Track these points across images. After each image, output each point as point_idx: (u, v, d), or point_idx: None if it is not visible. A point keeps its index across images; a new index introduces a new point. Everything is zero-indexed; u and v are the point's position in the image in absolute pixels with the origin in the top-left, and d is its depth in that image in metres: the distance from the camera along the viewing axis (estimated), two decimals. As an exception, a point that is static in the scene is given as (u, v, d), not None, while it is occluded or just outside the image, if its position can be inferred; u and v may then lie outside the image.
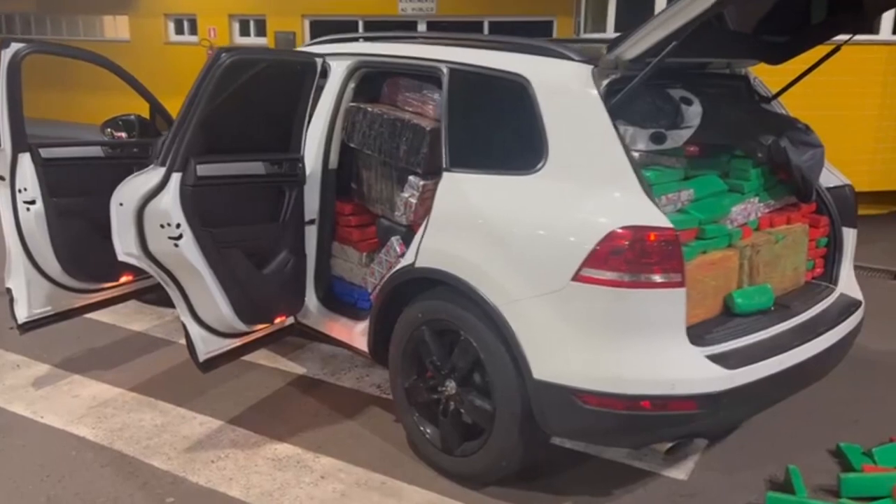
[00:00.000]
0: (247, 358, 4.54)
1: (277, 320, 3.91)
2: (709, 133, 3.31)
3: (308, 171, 3.94)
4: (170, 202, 3.18)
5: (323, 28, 13.09)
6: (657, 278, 2.78)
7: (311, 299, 4.12)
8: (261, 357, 4.64)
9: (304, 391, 4.28)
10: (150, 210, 3.19)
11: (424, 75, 3.68)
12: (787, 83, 4.00)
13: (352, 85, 4.01)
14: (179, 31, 15.29)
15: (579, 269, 2.82)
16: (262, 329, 3.89)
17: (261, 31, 14.18)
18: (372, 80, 4.08)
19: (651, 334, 2.84)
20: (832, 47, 3.88)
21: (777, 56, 3.78)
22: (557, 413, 2.97)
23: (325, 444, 3.70)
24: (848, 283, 3.77)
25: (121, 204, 3.17)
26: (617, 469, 3.54)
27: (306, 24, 13.56)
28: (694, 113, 3.23)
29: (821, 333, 3.27)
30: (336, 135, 4.03)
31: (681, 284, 2.81)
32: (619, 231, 2.78)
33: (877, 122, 8.50)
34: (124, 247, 3.24)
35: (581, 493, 3.33)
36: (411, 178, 3.69)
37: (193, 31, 14.99)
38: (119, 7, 15.85)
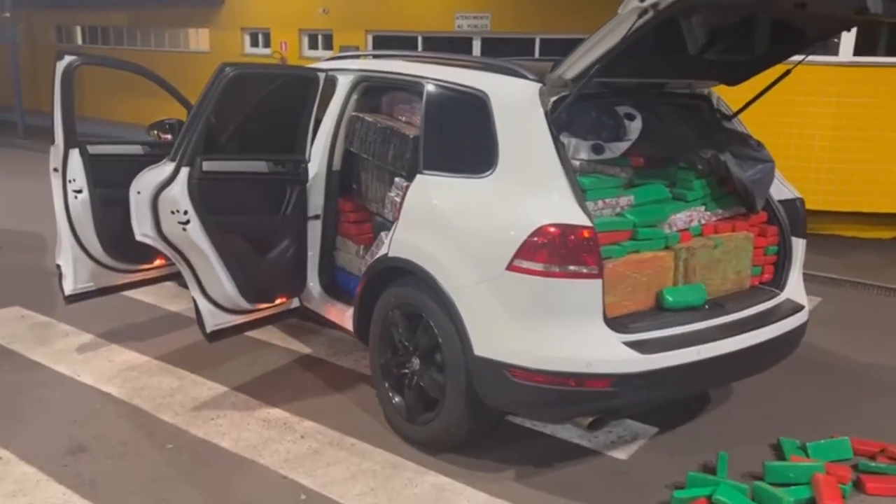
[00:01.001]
0: (261, 337, 5.14)
1: (278, 301, 4.43)
2: (651, 146, 3.69)
3: (314, 171, 4.48)
4: (178, 192, 3.76)
5: (384, 42, 13.79)
6: (576, 269, 3.18)
7: (315, 286, 4.64)
8: (274, 338, 5.20)
9: (305, 368, 4.80)
10: (162, 198, 3.77)
11: (412, 89, 4.16)
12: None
13: (354, 96, 4.53)
14: (254, 43, 16.25)
15: (512, 260, 3.25)
16: (266, 308, 4.43)
17: (328, 45, 14.95)
18: (375, 93, 4.59)
19: (570, 318, 3.24)
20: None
21: (733, 77, 4.10)
22: (492, 386, 3.40)
23: (311, 411, 4.20)
24: (795, 290, 4.04)
25: (138, 192, 3.77)
26: (564, 446, 3.91)
27: (369, 38, 14.25)
28: (634, 128, 3.61)
29: (748, 330, 3.58)
30: (340, 140, 4.54)
31: (597, 276, 3.20)
32: (544, 227, 3.19)
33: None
34: (141, 228, 3.84)
35: (524, 465, 3.72)
36: (397, 179, 4.16)
37: (267, 44, 15.90)
38: (201, 21, 16.98)
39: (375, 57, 4.70)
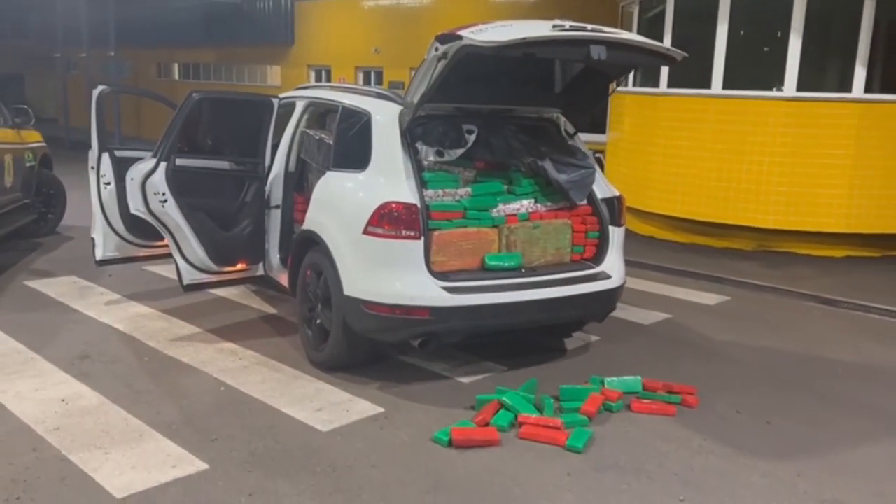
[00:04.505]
0: (242, 301, 6.73)
1: (240, 266, 5.97)
2: (485, 153, 5.07)
3: (276, 172, 6.03)
4: (158, 179, 5.36)
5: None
6: (405, 233, 4.59)
7: (275, 259, 6.16)
8: (253, 302, 6.78)
9: (266, 321, 6.33)
10: (148, 183, 5.37)
11: (334, 110, 5.66)
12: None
13: (305, 116, 6.07)
14: (318, 78, 18.27)
15: (366, 226, 4.69)
16: (231, 271, 5.97)
17: (379, 80, 16.77)
18: (318, 114, 6.13)
19: (401, 268, 4.64)
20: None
21: (569, 105, 5.42)
22: (355, 316, 4.81)
23: (255, 346, 5.69)
24: (611, 266, 5.27)
25: (132, 178, 5.39)
26: (430, 374, 5.23)
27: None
28: (470, 140, 5.00)
29: (544, 287, 4.87)
30: (294, 148, 6.09)
31: (418, 238, 4.59)
32: (387, 203, 4.62)
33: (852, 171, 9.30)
34: (134, 204, 5.45)
35: (391, 381, 5.08)
36: (322, 177, 5.66)
37: (329, 79, 17.87)
38: (275, 60, 19.20)
39: (317, 88, 6.26)
